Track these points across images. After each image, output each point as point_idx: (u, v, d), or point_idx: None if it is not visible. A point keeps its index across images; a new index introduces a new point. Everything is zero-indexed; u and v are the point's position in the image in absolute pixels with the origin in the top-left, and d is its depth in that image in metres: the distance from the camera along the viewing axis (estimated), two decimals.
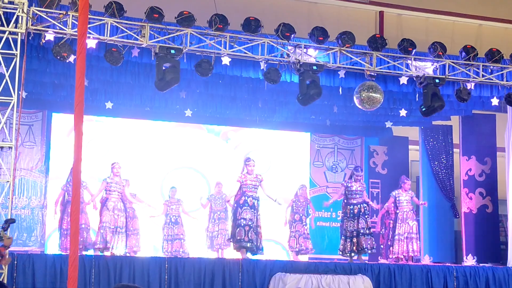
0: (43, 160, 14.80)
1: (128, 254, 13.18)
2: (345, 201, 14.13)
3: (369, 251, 13.83)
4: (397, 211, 14.56)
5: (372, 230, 14.09)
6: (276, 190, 16.07)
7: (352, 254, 13.80)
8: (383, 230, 15.44)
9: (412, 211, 14.58)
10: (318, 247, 16.01)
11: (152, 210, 14.38)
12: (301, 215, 14.83)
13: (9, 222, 8.95)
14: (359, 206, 13.94)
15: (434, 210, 16.17)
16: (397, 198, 14.53)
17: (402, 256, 14.31)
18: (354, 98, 12.81)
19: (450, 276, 13.23)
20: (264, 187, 13.62)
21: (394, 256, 14.40)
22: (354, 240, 13.77)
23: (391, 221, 15.07)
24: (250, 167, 13.54)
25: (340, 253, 13.99)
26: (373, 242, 13.87)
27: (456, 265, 14.35)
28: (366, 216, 13.92)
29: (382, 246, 15.32)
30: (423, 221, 16.02)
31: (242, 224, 13.14)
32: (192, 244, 14.52)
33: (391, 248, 14.62)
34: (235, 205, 13.44)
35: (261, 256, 13.36)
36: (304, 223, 14.78)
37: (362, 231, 13.74)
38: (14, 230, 14.03)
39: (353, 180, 14.14)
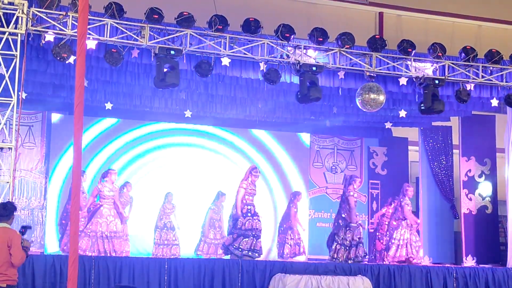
0: (43, 161, 14.80)
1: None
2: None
3: (362, 259, 13.91)
4: (402, 218, 14.52)
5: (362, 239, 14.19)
6: (275, 190, 16.14)
7: (349, 261, 13.79)
8: (381, 233, 15.44)
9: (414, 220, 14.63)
10: (317, 248, 16.01)
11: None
12: (290, 221, 14.94)
13: (26, 228, 8.98)
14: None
15: (433, 211, 16.17)
16: (402, 206, 14.51)
17: (406, 258, 14.31)
18: (356, 99, 12.81)
19: (450, 277, 13.24)
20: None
21: (396, 260, 14.39)
22: (349, 249, 13.78)
23: (386, 226, 15.06)
24: (256, 178, 13.58)
25: (333, 259, 13.91)
26: (365, 250, 14.03)
27: (455, 266, 14.35)
28: (360, 227, 14.02)
29: (381, 251, 15.33)
30: (423, 222, 16.01)
31: (248, 235, 13.15)
32: (184, 249, 14.48)
33: (387, 252, 14.63)
34: (238, 213, 13.40)
35: (260, 257, 13.38)
36: (293, 230, 14.83)
37: (357, 241, 13.81)
38: None
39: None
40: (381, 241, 15.22)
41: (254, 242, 13.21)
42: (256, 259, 13.22)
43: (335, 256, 13.84)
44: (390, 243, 14.39)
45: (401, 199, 14.52)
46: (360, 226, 14.08)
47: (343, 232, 13.90)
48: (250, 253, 13.15)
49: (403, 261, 14.13)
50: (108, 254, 12.93)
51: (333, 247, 13.95)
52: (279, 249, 14.92)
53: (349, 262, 13.62)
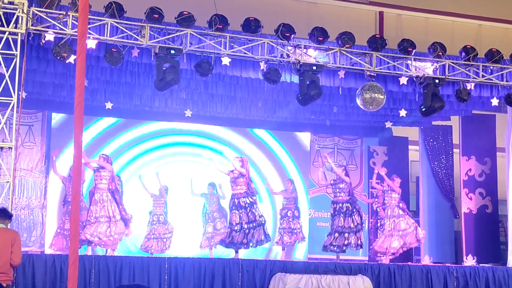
0: (43, 161, 14.78)
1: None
2: (332, 199, 14.30)
3: (354, 248, 13.93)
4: (385, 207, 14.68)
5: (360, 227, 14.22)
6: (275, 190, 16.13)
7: (336, 249, 13.89)
8: (373, 230, 15.62)
9: (399, 209, 14.61)
10: (317, 247, 16.01)
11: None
12: (293, 210, 14.97)
13: None
14: (342, 204, 14.16)
15: (434, 211, 16.17)
16: (385, 196, 14.67)
17: (386, 250, 14.36)
18: (357, 99, 12.81)
19: (450, 276, 13.24)
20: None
21: (381, 251, 14.48)
22: (337, 235, 13.89)
23: (379, 220, 15.20)
24: (239, 163, 13.65)
25: (322, 249, 14.16)
26: (359, 240, 13.99)
27: (456, 265, 14.36)
28: (350, 215, 14.01)
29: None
30: (423, 221, 16.02)
31: (234, 229, 13.24)
32: (180, 243, 14.49)
33: (374, 243, 14.78)
34: (228, 208, 13.64)
35: (261, 257, 13.41)
36: (294, 219, 14.90)
37: (342, 229, 13.87)
38: None
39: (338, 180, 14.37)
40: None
41: (247, 234, 13.23)
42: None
43: (327, 244, 14.02)
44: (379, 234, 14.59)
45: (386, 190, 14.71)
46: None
47: (333, 221, 14.10)
48: (243, 246, 13.23)
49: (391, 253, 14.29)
50: (109, 239, 12.89)
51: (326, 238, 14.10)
52: (280, 237, 15.07)
53: (350, 247, 13.77)
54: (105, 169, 13.29)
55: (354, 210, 14.18)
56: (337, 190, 14.32)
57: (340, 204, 14.18)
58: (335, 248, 14.00)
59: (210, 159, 14.81)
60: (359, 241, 14.09)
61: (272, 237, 15.16)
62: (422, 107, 13.31)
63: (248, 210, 13.42)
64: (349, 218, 14.06)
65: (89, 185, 14.28)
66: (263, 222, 13.54)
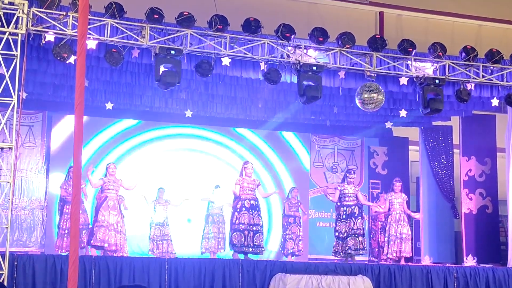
0: (43, 161, 14.80)
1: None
2: (338, 203, 14.23)
3: (361, 252, 13.89)
4: (389, 213, 14.64)
5: (363, 231, 14.22)
6: (270, 189, 16.16)
7: (345, 255, 13.86)
8: (372, 233, 15.59)
9: (404, 214, 14.60)
10: (318, 248, 16.03)
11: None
12: (294, 216, 14.93)
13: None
14: (351, 208, 14.03)
15: (434, 211, 16.16)
16: (390, 201, 14.64)
17: (392, 256, 14.33)
18: (356, 99, 12.80)
19: (450, 276, 13.24)
20: (260, 191, 14.02)
21: (385, 257, 14.45)
22: (344, 241, 13.85)
23: (379, 223, 15.18)
24: (248, 170, 13.71)
25: (333, 254, 14.11)
26: (364, 243, 13.98)
27: (456, 265, 14.36)
28: (358, 218, 13.97)
29: (374, 249, 15.42)
30: (423, 222, 16.02)
31: (241, 229, 13.23)
32: (181, 245, 14.50)
33: (382, 249, 14.72)
34: (232, 210, 13.59)
35: (261, 257, 13.40)
36: (298, 224, 14.86)
37: (353, 231, 13.82)
38: (14, 230, 14.07)
39: (346, 183, 14.28)
40: (374, 238, 15.39)
41: (251, 237, 13.22)
42: (254, 256, 13.27)
43: (335, 251, 14.03)
44: (385, 240, 14.54)
45: (389, 195, 14.67)
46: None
47: (338, 225, 14.12)
48: (245, 249, 13.21)
49: (396, 258, 14.26)
50: (116, 248, 12.95)
51: (334, 242, 14.07)
52: (282, 245, 15.01)
53: (356, 252, 13.75)
54: (114, 177, 13.46)
55: (360, 213, 14.21)
56: (348, 195, 14.25)
57: (351, 208, 14.10)
58: (353, 251, 13.86)
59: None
60: (365, 244, 14.15)
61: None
62: (421, 108, 13.34)
63: (254, 214, 13.46)
64: (359, 221, 14.03)
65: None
66: (261, 230, 13.59)
